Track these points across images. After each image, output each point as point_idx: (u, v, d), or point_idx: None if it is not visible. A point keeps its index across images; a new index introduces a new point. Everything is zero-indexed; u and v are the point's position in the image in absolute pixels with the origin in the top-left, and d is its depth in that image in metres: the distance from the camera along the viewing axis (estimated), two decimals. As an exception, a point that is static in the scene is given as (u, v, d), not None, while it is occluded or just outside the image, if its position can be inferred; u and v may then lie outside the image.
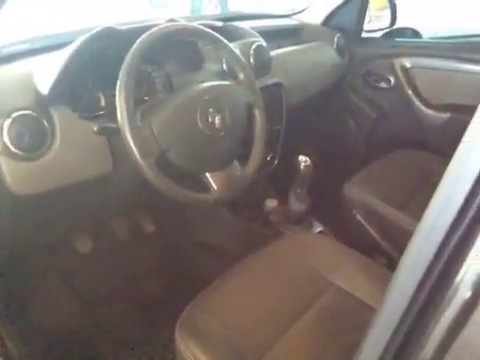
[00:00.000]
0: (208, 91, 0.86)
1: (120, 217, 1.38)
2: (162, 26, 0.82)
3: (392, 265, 1.19)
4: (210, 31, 0.90)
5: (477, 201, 0.37)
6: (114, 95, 0.92)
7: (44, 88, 0.78)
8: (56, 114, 0.79)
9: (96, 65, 0.88)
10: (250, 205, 1.50)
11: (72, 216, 1.03)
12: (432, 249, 0.40)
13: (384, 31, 1.80)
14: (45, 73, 0.80)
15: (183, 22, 0.90)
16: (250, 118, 0.95)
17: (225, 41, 0.93)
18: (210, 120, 0.83)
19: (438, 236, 0.39)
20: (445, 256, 0.40)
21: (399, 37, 1.78)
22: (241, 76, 0.95)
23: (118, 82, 0.75)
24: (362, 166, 1.46)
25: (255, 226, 1.43)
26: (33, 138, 0.76)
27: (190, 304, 0.88)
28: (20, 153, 0.75)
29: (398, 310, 0.44)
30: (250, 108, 0.95)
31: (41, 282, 1.26)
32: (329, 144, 1.84)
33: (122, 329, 1.27)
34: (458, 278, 0.38)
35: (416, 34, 1.89)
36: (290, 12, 1.79)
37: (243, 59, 0.97)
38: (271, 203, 1.41)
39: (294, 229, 1.32)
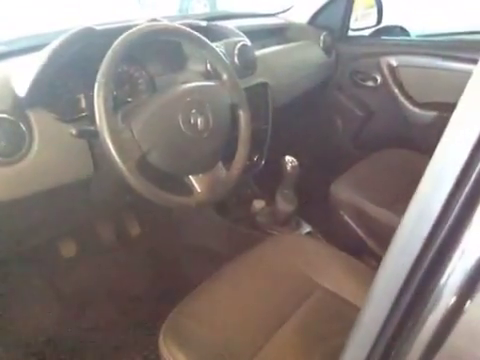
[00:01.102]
0: (190, 92, 0.85)
1: (105, 221, 1.36)
2: (142, 26, 0.80)
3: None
4: (191, 31, 0.88)
5: (459, 202, 0.36)
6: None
7: (21, 90, 0.76)
8: (34, 117, 0.77)
9: (76, 66, 0.86)
10: (237, 206, 1.49)
11: (54, 221, 1.01)
12: (415, 250, 0.39)
13: (372, 29, 1.80)
14: (22, 75, 0.78)
15: (165, 22, 0.88)
16: (234, 119, 0.94)
17: (207, 41, 0.91)
18: (192, 122, 0.82)
19: (420, 237, 0.38)
20: (428, 257, 0.39)
21: (387, 35, 1.78)
22: (224, 76, 0.93)
23: (96, 84, 0.73)
24: (349, 165, 1.45)
25: (242, 227, 1.42)
26: (10, 142, 0.74)
27: (174, 310, 0.86)
28: None
29: (382, 312, 0.43)
30: (234, 109, 0.93)
31: (24, 288, 1.23)
32: (316, 144, 1.83)
33: (108, 334, 1.25)
34: (442, 280, 0.37)
35: (404, 32, 1.90)
36: (279, 11, 1.77)
37: (225, 59, 0.95)
38: (258, 204, 1.40)
39: (281, 230, 1.31)
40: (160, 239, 1.46)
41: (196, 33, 0.89)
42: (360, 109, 1.73)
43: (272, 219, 1.33)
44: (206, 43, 0.91)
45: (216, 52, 0.93)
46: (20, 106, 0.76)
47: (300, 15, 1.72)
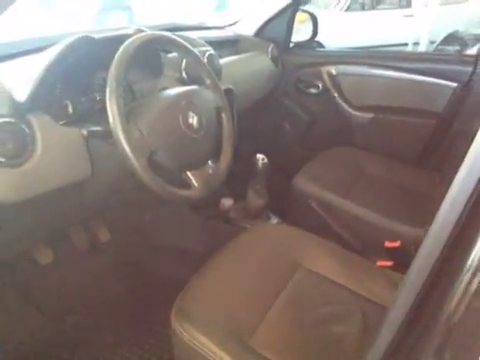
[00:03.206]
0: (186, 95, 0.93)
1: (77, 227, 1.36)
2: (143, 34, 0.87)
3: (345, 246, 1.34)
4: (180, 39, 0.96)
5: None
6: (82, 102, 0.94)
7: (21, 96, 0.78)
8: (35, 120, 0.79)
9: (65, 73, 0.89)
10: (208, 205, 1.56)
11: (43, 225, 1.01)
12: (438, 249, 0.45)
13: (296, 43, 1.99)
14: (20, 80, 0.80)
15: (153, 31, 0.95)
16: (219, 120, 1.03)
17: (192, 48, 1.00)
18: (190, 122, 0.90)
19: (444, 237, 0.44)
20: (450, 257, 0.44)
21: (310, 48, 2.00)
22: (208, 81, 1.03)
23: (107, 88, 0.78)
24: (300, 164, 1.61)
25: (217, 224, 1.49)
26: (16, 145, 0.75)
27: (178, 297, 0.92)
28: (3, 160, 0.74)
29: (407, 308, 0.48)
30: (219, 111, 1.03)
31: (1, 299, 1.19)
32: (270, 146, 1.98)
33: (91, 342, 1.24)
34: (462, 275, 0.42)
35: (321, 46, 2.13)
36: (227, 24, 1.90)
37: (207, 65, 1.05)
38: (227, 202, 1.49)
39: (254, 223, 1.41)
40: (132, 243, 1.48)
41: (183, 41, 0.97)
42: (305, 114, 1.91)
43: (244, 214, 1.43)
44: (191, 51, 1.00)
45: (199, 59, 1.02)
46: (21, 110, 0.78)
47: (247, 28, 1.87)
